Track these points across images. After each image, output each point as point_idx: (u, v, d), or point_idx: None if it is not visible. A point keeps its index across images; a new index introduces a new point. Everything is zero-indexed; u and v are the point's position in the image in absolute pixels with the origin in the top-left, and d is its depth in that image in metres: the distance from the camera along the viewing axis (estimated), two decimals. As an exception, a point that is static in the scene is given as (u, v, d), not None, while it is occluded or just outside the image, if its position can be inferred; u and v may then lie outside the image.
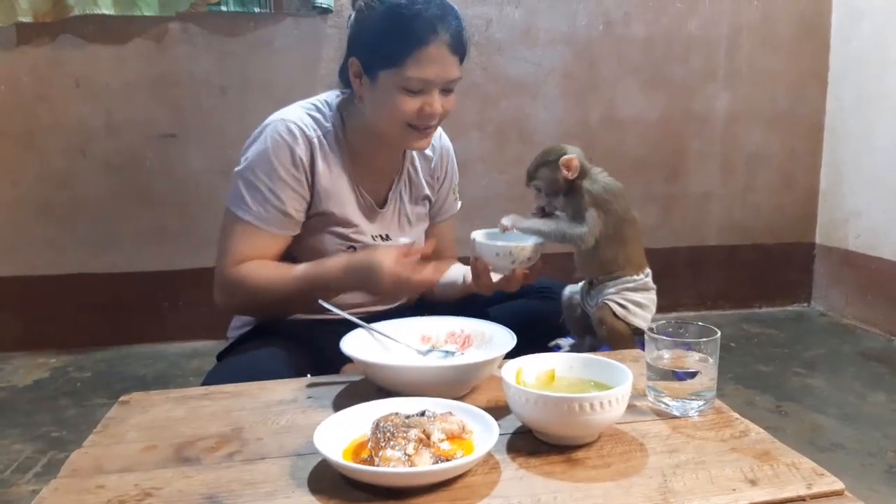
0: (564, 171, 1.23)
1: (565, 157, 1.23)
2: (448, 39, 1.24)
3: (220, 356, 1.41)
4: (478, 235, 1.27)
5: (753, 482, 0.75)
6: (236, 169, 1.33)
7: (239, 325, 1.46)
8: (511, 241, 1.24)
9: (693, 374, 0.92)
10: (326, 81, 2.63)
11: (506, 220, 1.26)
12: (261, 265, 1.30)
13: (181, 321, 2.77)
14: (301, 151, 1.31)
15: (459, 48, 1.27)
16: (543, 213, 1.30)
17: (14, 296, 2.70)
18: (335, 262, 1.27)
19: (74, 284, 2.71)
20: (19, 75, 2.60)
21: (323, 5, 2.61)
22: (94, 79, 2.63)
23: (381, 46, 1.24)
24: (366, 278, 1.22)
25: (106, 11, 2.54)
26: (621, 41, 2.91)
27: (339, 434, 0.82)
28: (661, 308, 1.30)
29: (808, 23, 3.04)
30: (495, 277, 1.29)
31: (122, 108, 2.66)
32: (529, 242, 1.22)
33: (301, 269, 1.29)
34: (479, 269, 1.29)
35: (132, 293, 2.75)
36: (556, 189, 1.26)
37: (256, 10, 2.62)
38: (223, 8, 2.60)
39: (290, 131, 1.31)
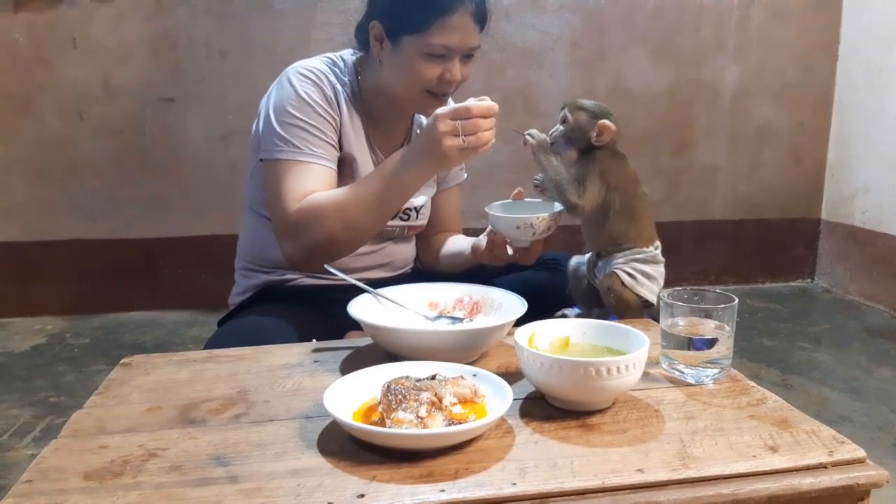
0: (594, 133, 1.20)
1: (606, 122, 1.19)
2: (473, 8, 1.23)
3: (222, 322, 1.40)
4: (493, 209, 1.25)
5: (774, 449, 0.73)
6: (262, 121, 1.30)
7: (240, 290, 1.44)
8: (525, 212, 1.21)
9: (711, 343, 0.90)
10: (328, 45, 2.58)
11: (533, 131, 1.23)
12: (324, 192, 1.23)
13: (180, 289, 2.75)
14: (329, 92, 1.30)
15: (482, 17, 1.26)
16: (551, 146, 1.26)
17: (10, 261, 2.68)
18: (395, 153, 1.23)
19: (72, 250, 2.69)
20: (15, 35, 2.55)
21: (326, -33, 2.55)
22: (91, 40, 2.58)
23: (407, 11, 1.23)
24: (425, 136, 1.16)
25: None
26: (630, 9, 2.86)
27: (349, 397, 0.80)
28: (665, 282, 1.27)
29: (821, -6, 2.99)
30: (510, 250, 1.27)
31: (121, 70, 2.62)
32: (547, 213, 1.19)
33: (367, 175, 1.26)
34: (496, 243, 1.27)
35: (130, 260, 2.73)
36: (576, 137, 1.22)
37: (257, -31, 2.56)
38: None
39: (315, 74, 1.30)
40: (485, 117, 1.13)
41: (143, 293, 2.75)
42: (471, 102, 1.13)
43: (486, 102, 1.13)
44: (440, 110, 1.14)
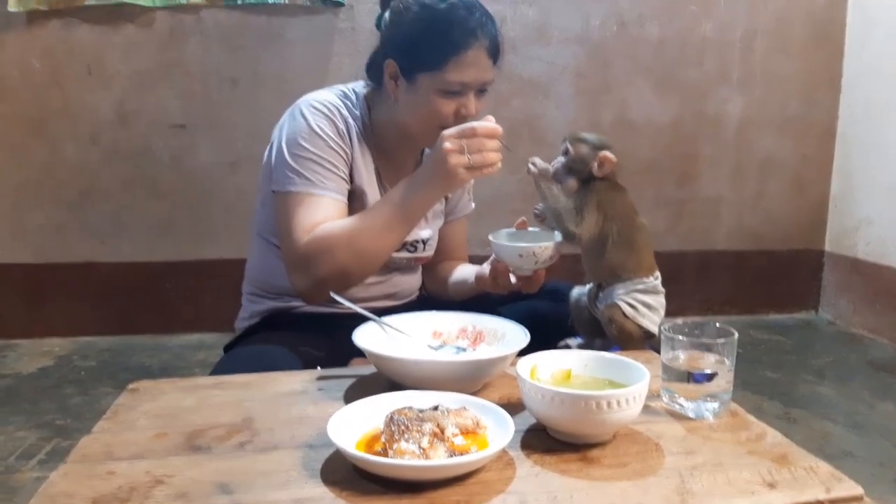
0: (595, 164, 1.22)
1: (607, 153, 1.21)
2: (487, 44, 1.25)
3: (228, 347, 1.41)
4: (496, 237, 1.27)
5: (772, 485, 0.74)
6: (274, 152, 1.31)
7: (247, 315, 1.45)
8: (528, 241, 1.23)
9: (711, 377, 0.91)
10: (338, 76, 2.64)
11: (536, 159, 1.25)
12: (333, 222, 1.24)
13: (186, 312, 2.77)
14: (341, 125, 1.31)
15: (495, 51, 1.28)
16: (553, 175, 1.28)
17: (20, 282, 2.70)
18: (402, 181, 1.25)
19: (81, 273, 2.72)
20: (31, 61, 2.60)
21: (336, -1, 2.61)
22: (106, 66, 2.63)
23: (422, 50, 1.25)
24: (431, 157, 1.20)
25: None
26: (635, 42, 2.90)
27: (352, 426, 0.81)
28: (668, 312, 1.28)
29: (823, 29, 3.03)
30: (513, 279, 1.28)
31: (134, 96, 2.66)
32: (550, 242, 1.21)
33: (376, 203, 1.28)
34: (499, 271, 1.28)
35: (138, 283, 2.75)
36: (577, 168, 1.24)
37: (270, 0, 2.61)
38: (238, 1, 2.61)
39: (327, 107, 1.31)
40: (489, 137, 1.15)
41: (151, 316, 2.77)
42: (475, 122, 1.16)
43: (490, 123, 1.17)
44: (446, 131, 1.17)
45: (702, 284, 3.07)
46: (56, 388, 2.25)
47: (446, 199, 1.53)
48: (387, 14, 1.32)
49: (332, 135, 1.29)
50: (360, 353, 1.03)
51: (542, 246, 1.21)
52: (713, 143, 3.03)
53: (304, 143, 1.27)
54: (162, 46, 2.64)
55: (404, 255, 1.42)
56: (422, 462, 0.73)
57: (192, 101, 2.69)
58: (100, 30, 2.61)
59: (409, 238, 1.39)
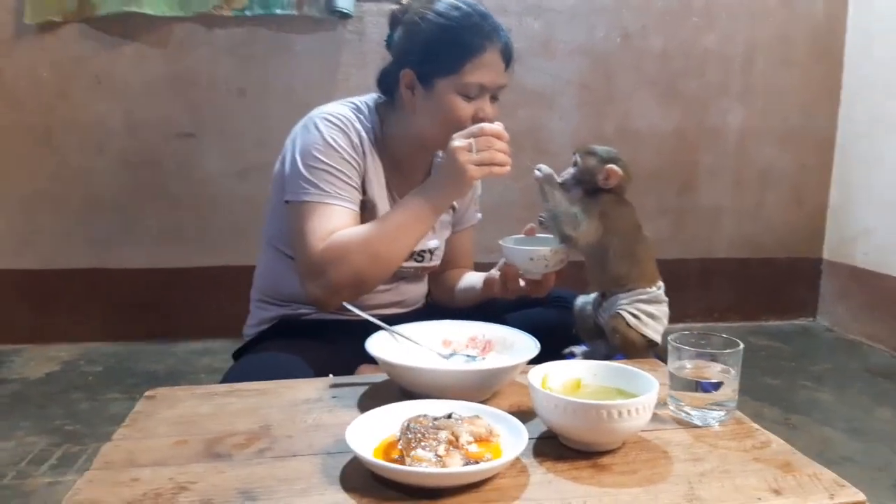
0: (601, 176, 1.24)
1: (614, 167, 1.23)
2: (501, 47, 1.30)
3: (237, 354, 1.43)
4: (507, 241, 1.30)
5: (777, 492, 0.77)
6: (288, 164, 1.32)
7: (255, 322, 1.47)
8: (537, 246, 1.26)
9: (717, 385, 0.94)
10: (345, 86, 2.67)
11: (542, 165, 1.27)
12: (349, 229, 1.26)
13: (192, 319, 2.79)
14: (354, 138, 1.33)
15: (508, 55, 1.32)
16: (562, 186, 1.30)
17: (27, 288, 2.73)
18: (417, 188, 1.30)
19: (87, 279, 2.74)
20: (40, 70, 2.63)
21: (343, 10, 2.64)
22: (114, 76, 2.66)
23: (440, 55, 1.28)
24: (444, 160, 1.25)
25: (126, 9, 2.57)
26: (638, 54, 2.94)
27: (369, 434, 0.83)
28: (670, 318, 1.31)
29: (823, 43, 3.07)
30: (523, 283, 1.31)
31: (142, 106, 2.69)
32: (560, 245, 1.24)
33: (390, 209, 1.32)
34: (509, 275, 1.31)
35: (144, 290, 2.77)
36: (585, 179, 1.27)
37: (278, 11, 2.65)
38: (247, 13, 2.64)
39: (340, 120, 1.33)
40: (497, 137, 1.21)
41: (156, 322, 2.79)
42: (483, 124, 1.22)
43: (497, 126, 1.22)
44: (456, 133, 1.22)
45: (703, 291, 3.11)
46: (64, 394, 2.26)
47: (454, 209, 1.55)
48: (398, 30, 1.35)
49: (345, 147, 1.31)
50: (367, 359, 1.04)
51: (553, 249, 1.24)
52: (714, 153, 3.07)
53: (318, 155, 1.29)
54: (171, 56, 2.67)
55: (412, 264, 1.44)
56: (440, 469, 0.75)
57: (201, 110, 2.71)
58: (109, 40, 2.63)
59: (417, 248, 1.41)
